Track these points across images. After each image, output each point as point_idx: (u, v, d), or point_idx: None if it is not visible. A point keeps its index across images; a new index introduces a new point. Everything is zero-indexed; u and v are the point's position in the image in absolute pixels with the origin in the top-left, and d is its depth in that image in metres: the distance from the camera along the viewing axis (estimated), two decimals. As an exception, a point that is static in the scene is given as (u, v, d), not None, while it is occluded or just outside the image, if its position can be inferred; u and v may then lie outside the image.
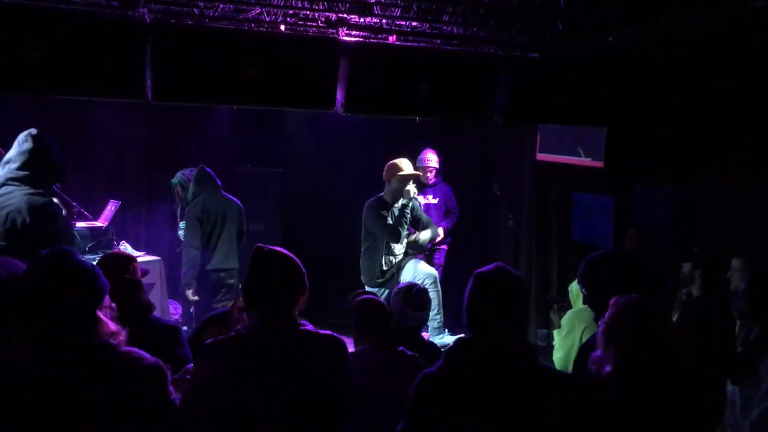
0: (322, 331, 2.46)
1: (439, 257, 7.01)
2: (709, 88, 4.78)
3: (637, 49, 4.86)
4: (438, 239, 6.78)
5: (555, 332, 4.02)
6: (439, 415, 2.11)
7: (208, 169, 5.93)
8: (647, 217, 6.07)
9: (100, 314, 2.03)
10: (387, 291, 5.64)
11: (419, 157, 6.92)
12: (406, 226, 5.93)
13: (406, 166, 5.90)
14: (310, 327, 2.43)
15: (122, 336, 2.07)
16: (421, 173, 6.49)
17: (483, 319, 2.16)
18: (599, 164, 5.59)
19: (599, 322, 2.44)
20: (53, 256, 2.02)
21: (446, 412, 2.11)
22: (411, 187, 5.88)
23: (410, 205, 5.89)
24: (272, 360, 2.30)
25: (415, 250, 6.17)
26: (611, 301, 2.45)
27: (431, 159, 6.89)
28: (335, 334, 2.48)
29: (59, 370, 1.92)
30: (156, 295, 6.01)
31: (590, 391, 2.24)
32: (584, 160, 5.68)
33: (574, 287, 4.68)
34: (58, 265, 1.98)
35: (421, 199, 6.83)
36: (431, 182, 6.90)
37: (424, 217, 6.20)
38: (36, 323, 1.94)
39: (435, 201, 6.94)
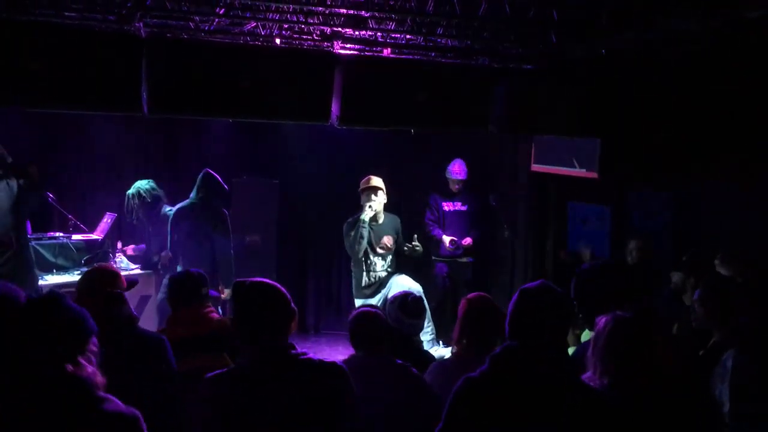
0: (325, 360, 2.46)
1: (467, 272, 7.01)
2: (703, 93, 4.82)
3: (630, 58, 4.89)
4: (463, 242, 6.81)
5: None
6: (479, 419, 2.18)
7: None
8: (644, 225, 6.10)
9: (83, 360, 2.03)
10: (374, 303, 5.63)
11: (447, 167, 6.98)
12: (362, 242, 5.93)
13: (365, 181, 5.98)
14: (310, 355, 2.42)
15: (100, 384, 2.05)
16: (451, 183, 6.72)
17: (526, 330, 2.23)
18: (593, 175, 5.61)
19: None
20: (46, 301, 2.05)
21: (486, 415, 2.17)
22: (371, 203, 5.92)
23: (365, 220, 5.90)
24: (271, 392, 2.29)
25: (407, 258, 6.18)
26: (598, 320, 2.50)
27: (457, 170, 6.93)
28: (338, 362, 2.48)
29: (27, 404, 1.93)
30: (152, 307, 6.01)
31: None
32: (578, 171, 5.70)
33: None
34: (48, 312, 2.01)
35: (449, 207, 6.91)
36: (456, 190, 6.95)
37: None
38: (16, 360, 1.96)
39: (464, 208, 6.98)
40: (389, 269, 6.11)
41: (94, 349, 2.08)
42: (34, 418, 1.90)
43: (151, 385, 2.86)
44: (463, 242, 6.87)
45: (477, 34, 4.74)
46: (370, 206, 5.91)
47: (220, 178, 5.83)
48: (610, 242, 6.49)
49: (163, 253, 5.88)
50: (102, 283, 3.04)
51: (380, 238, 6.02)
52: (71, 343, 2.00)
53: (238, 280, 2.49)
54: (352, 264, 6.18)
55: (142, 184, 6.07)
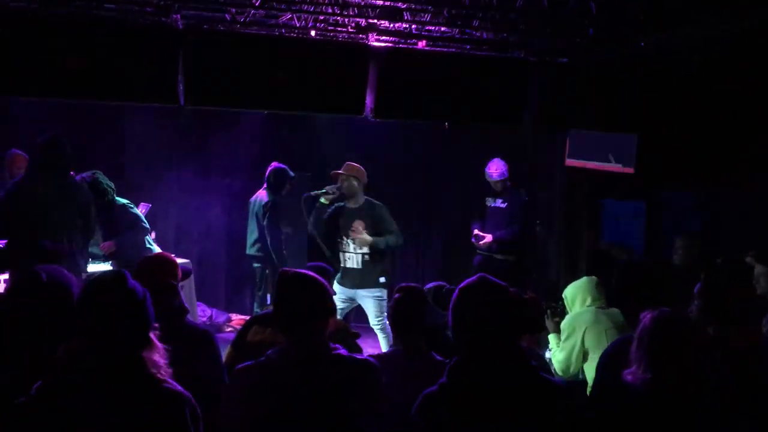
0: (357, 356, 2.45)
1: (502, 269, 6.94)
2: (741, 93, 4.71)
3: (669, 54, 4.81)
4: (481, 243, 6.76)
5: (551, 336, 4.09)
6: None
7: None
8: (679, 223, 5.99)
9: (153, 336, 2.03)
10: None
11: (485, 168, 6.93)
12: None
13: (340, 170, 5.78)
14: (342, 351, 2.41)
15: (166, 369, 2.06)
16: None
17: (472, 330, 2.13)
18: (629, 170, 5.53)
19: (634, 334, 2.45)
20: (110, 279, 2.02)
21: (452, 429, 2.08)
22: (332, 187, 5.64)
23: (321, 201, 5.63)
24: (302, 385, 2.29)
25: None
26: (643, 315, 2.45)
27: (493, 170, 6.87)
28: (370, 359, 2.47)
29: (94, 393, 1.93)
30: (185, 298, 6.06)
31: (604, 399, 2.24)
32: (614, 166, 5.62)
33: (569, 293, 4.67)
34: (115, 290, 1.98)
35: (491, 203, 6.87)
36: (498, 189, 6.89)
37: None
38: (86, 343, 1.95)
39: (503, 205, 6.92)
40: (366, 257, 5.74)
41: (156, 325, 2.09)
42: (94, 397, 1.92)
43: (198, 376, 2.88)
44: (481, 241, 6.79)
45: (513, 26, 4.69)
46: (327, 191, 5.77)
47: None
48: (644, 239, 6.41)
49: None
50: (159, 271, 3.06)
51: (351, 222, 5.87)
52: (144, 320, 2.00)
53: (283, 269, 2.50)
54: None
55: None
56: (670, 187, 5.82)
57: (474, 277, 2.18)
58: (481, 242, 6.69)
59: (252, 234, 6.28)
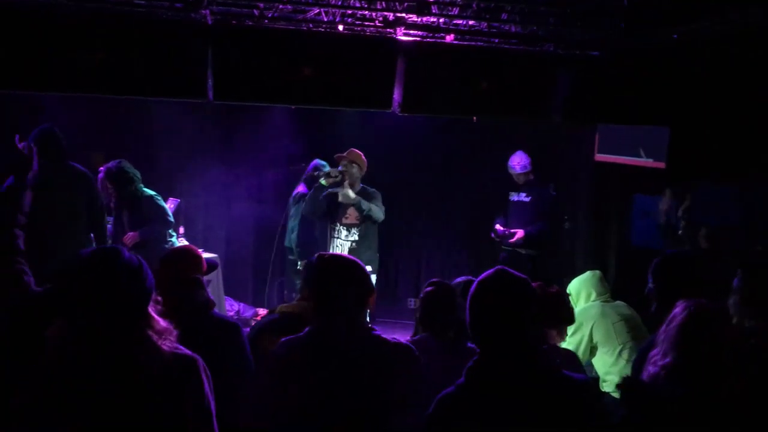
0: (393, 339, 2.45)
1: (527, 263, 6.88)
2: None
3: (702, 45, 4.71)
4: (512, 241, 6.73)
5: None
6: None
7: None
8: (712, 218, 5.88)
9: (151, 310, 2.04)
10: None
11: (508, 161, 6.88)
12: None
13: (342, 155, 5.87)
14: (381, 333, 2.42)
15: (173, 335, 2.06)
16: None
17: (488, 330, 2.08)
18: (661, 165, 5.44)
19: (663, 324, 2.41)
20: (102, 253, 2.02)
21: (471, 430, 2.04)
22: (335, 170, 5.75)
23: (323, 183, 5.69)
24: (340, 364, 2.30)
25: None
26: (676, 304, 2.41)
27: (516, 163, 6.81)
28: (407, 343, 2.47)
29: (98, 363, 1.94)
30: (213, 292, 6.11)
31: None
32: (645, 161, 5.54)
33: (573, 288, 4.63)
34: (107, 263, 1.98)
35: (514, 197, 6.83)
36: (521, 182, 6.83)
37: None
38: (82, 319, 1.96)
39: (527, 199, 6.86)
40: (355, 244, 5.81)
41: (158, 298, 2.11)
42: (97, 363, 1.94)
43: (226, 366, 2.89)
44: (515, 236, 6.74)
45: (543, 19, 4.64)
46: (329, 173, 5.72)
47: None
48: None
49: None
50: (184, 264, 3.08)
51: (347, 208, 5.80)
52: (138, 293, 2.00)
53: (320, 253, 2.51)
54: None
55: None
56: (704, 180, 5.70)
57: (492, 270, 2.13)
58: (512, 239, 6.64)
59: (293, 227, 6.41)
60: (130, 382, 1.94)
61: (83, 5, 4.04)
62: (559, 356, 3.12)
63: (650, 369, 2.31)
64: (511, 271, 2.14)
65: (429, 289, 3.19)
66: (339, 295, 2.37)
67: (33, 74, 3.99)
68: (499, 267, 2.16)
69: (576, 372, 2.29)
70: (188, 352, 2.07)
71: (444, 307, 3.14)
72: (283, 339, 2.40)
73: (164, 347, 2.00)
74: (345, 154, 5.81)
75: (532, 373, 2.06)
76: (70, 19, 4.00)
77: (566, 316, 3.29)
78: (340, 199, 5.68)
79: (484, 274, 2.14)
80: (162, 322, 2.04)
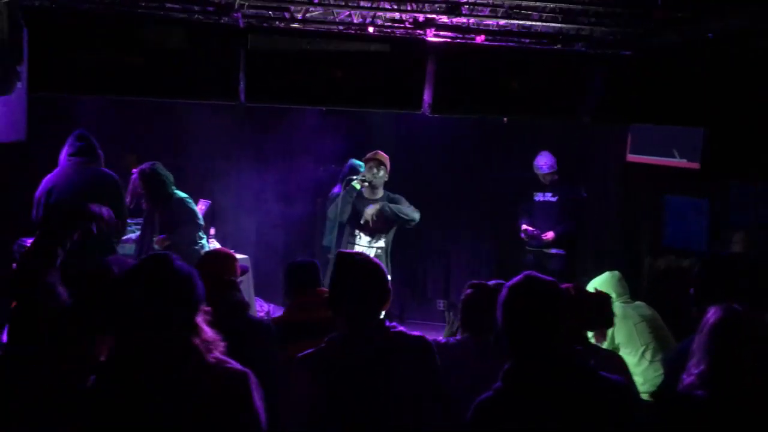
0: (413, 333, 2.46)
1: (555, 263, 6.87)
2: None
3: (737, 43, 4.63)
4: (544, 237, 6.70)
5: None
6: None
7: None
8: (745, 219, 5.79)
9: (199, 321, 2.00)
10: None
11: (534, 161, 6.86)
12: (346, 207, 5.61)
13: (372, 154, 5.80)
14: (401, 328, 2.42)
15: (220, 346, 2.03)
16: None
17: (521, 335, 2.10)
18: (695, 165, 5.36)
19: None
20: (154, 261, 2.01)
21: None
22: (369, 174, 5.69)
23: (355, 186, 5.62)
24: (364, 367, 2.30)
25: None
26: (709, 309, 2.40)
27: (543, 163, 6.79)
28: (424, 336, 2.47)
29: (149, 375, 1.92)
30: (243, 293, 6.15)
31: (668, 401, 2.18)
32: (679, 162, 5.46)
33: (591, 289, 4.56)
34: (159, 272, 1.96)
35: (539, 197, 6.79)
36: (547, 182, 6.81)
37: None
38: (133, 329, 1.94)
39: (553, 199, 6.84)
40: (379, 250, 5.76)
41: (207, 309, 2.07)
42: (148, 378, 1.92)
43: (258, 370, 2.91)
44: (544, 236, 6.71)
45: (574, 19, 4.60)
46: (364, 176, 5.66)
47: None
48: (708, 237, 6.21)
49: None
50: (219, 267, 3.11)
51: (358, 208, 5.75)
52: (187, 302, 1.98)
53: (340, 251, 2.52)
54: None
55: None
56: (738, 181, 5.62)
57: (520, 276, 2.14)
58: (542, 239, 6.61)
59: (332, 227, 6.32)
60: (180, 397, 1.91)
61: (117, 9, 4.11)
62: (597, 357, 3.10)
63: (686, 379, 2.29)
64: (540, 275, 2.16)
65: (469, 291, 3.19)
66: (354, 296, 2.37)
67: (69, 78, 4.07)
68: (527, 272, 2.18)
69: (618, 373, 2.27)
70: (238, 366, 2.03)
71: (484, 309, 3.12)
72: (299, 354, 2.38)
73: (212, 360, 1.97)
74: (374, 156, 5.79)
75: (566, 375, 2.06)
76: (105, 23, 4.07)
77: (608, 318, 3.26)
78: (370, 242, 5.68)
79: (513, 280, 2.17)
80: (210, 333, 2.01)
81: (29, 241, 5.90)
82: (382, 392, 2.30)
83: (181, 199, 5.72)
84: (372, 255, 5.42)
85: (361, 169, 5.94)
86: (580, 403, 2.03)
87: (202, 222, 5.84)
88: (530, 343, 2.08)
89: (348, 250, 2.52)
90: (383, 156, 5.81)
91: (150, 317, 1.92)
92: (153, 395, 1.90)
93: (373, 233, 5.72)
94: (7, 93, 3.67)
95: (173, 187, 5.70)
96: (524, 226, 6.76)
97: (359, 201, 5.67)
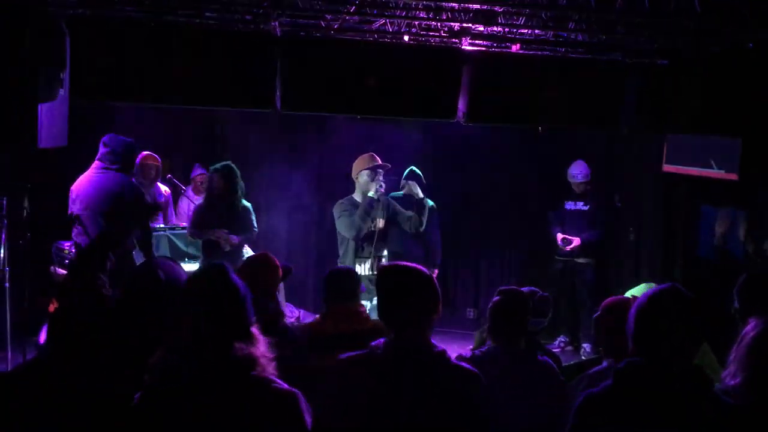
0: (460, 363, 2.42)
1: (584, 273, 6.82)
2: None
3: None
4: (568, 248, 6.66)
5: None
6: None
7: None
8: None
9: (255, 331, 2.00)
10: (370, 302, 4.78)
11: (568, 169, 6.83)
12: (371, 223, 5.38)
13: (369, 160, 5.54)
14: (449, 356, 2.38)
15: (272, 366, 2.02)
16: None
17: (655, 341, 2.08)
18: (733, 176, 5.27)
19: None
20: (213, 272, 2.01)
21: None
22: (377, 182, 5.44)
23: (379, 199, 5.40)
24: (403, 381, 2.27)
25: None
26: (750, 322, 2.37)
27: (577, 172, 6.77)
28: (471, 368, 2.43)
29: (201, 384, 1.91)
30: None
31: None
32: (717, 172, 5.37)
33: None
34: (218, 281, 1.96)
35: (571, 206, 6.76)
36: (581, 191, 6.79)
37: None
38: (188, 340, 1.93)
39: (585, 208, 6.81)
40: (383, 260, 5.41)
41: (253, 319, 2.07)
42: (197, 391, 1.90)
43: (291, 379, 2.93)
44: (572, 243, 6.68)
45: (610, 27, 4.57)
46: (380, 185, 5.45)
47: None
48: (744, 249, 6.11)
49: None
50: (262, 275, 3.14)
51: (374, 219, 5.51)
52: (246, 311, 1.98)
53: (384, 263, 2.50)
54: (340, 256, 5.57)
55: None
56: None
57: (667, 285, 2.15)
58: (569, 246, 6.58)
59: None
60: (232, 413, 1.90)
61: (159, 18, 4.18)
62: None
63: (728, 381, 2.27)
64: (683, 289, 2.15)
65: (497, 298, 3.15)
66: (403, 307, 2.32)
67: (109, 85, 4.15)
68: (672, 283, 2.19)
69: None
70: (287, 387, 2.01)
71: (513, 316, 3.09)
72: (342, 355, 2.36)
73: (266, 377, 1.96)
74: (375, 161, 5.52)
75: (685, 387, 2.05)
76: (145, 32, 4.14)
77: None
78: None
79: (658, 288, 2.16)
80: (264, 348, 2.00)
81: (67, 244, 6.11)
82: (416, 410, 2.28)
83: (248, 207, 5.87)
84: (372, 264, 5.33)
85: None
86: (690, 415, 2.02)
87: (257, 230, 5.96)
88: (663, 351, 2.07)
89: (392, 262, 2.47)
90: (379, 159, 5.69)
91: (209, 325, 1.91)
92: (203, 409, 1.89)
93: (378, 242, 5.47)
94: (51, 99, 3.76)
95: (242, 195, 5.82)
96: (561, 236, 6.74)
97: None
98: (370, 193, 5.41)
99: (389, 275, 2.42)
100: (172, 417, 1.91)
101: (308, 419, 2.02)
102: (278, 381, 2.03)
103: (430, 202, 5.88)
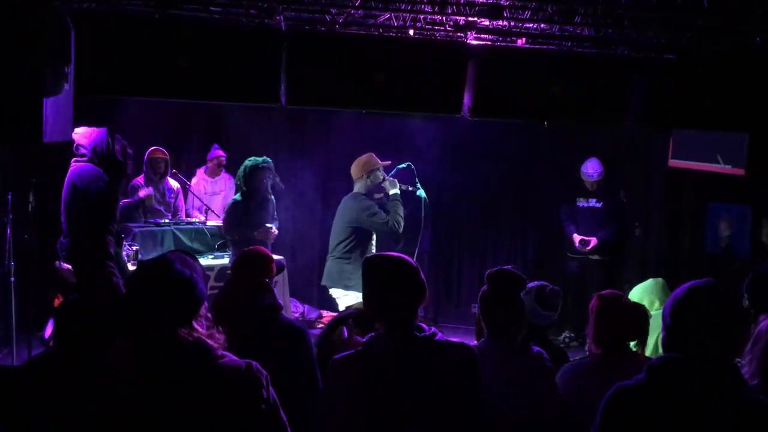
0: (453, 340, 2.42)
1: (599, 271, 6.79)
2: None
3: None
4: (588, 248, 6.65)
5: None
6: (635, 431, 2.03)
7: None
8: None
9: (195, 324, 2.04)
10: None
11: (581, 167, 6.81)
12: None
13: (374, 159, 5.66)
14: (440, 336, 2.39)
15: (221, 339, 2.07)
16: None
17: (693, 338, 2.03)
18: (740, 172, 5.25)
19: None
20: (156, 264, 2.07)
21: (643, 429, 2.02)
22: (389, 179, 5.62)
23: (399, 193, 5.52)
24: (402, 372, 2.27)
25: None
26: (760, 319, 2.36)
27: (591, 170, 6.75)
28: (465, 342, 2.43)
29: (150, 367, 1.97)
30: (279, 294, 6.18)
31: None
32: (723, 168, 5.35)
33: (635, 296, 4.50)
34: (158, 275, 2.02)
35: (583, 203, 6.75)
36: (594, 189, 6.77)
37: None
38: (134, 326, 1.99)
39: (598, 205, 6.80)
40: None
41: (208, 315, 2.10)
42: (153, 379, 1.95)
43: (293, 372, 2.93)
44: (590, 243, 6.67)
45: (617, 22, 4.54)
46: (391, 181, 5.61)
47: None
48: (750, 245, 6.09)
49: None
50: (254, 269, 3.14)
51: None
52: (181, 305, 2.01)
53: (368, 256, 2.50)
54: (346, 251, 5.55)
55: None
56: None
57: (704, 280, 2.09)
58: (588, 246, 6.57)
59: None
60: (184, 395, 1.95)
61: (164, 13, 4.17)
62: (637, 364, 3.03)
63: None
64: (720, 287, 2.09)
65: (485, 288, 3.02)
66: (388, 299, 2.33)
67: (115, 79, 4.14)
68: (710, 279, 2.11)
69: None
70: (236, 360, 2.06)
71: (501, 303, 2.87)
72: (336, 356, 2.36)
73: (212, 355, 2.01)
74: (380, 161, 5.67)
75: (721, 386, 2.01)
76: (150, 26, 4.13)
77: (643, 332, 3.20)
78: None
79: (697, 281, 2.10)
80: (203, 330, 2.05)
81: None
82: (419, 397, 2.28)
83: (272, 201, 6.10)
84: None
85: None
86: (724, 416, 1.98)
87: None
88: (699, 345, 2.02)
89: (374, 254, 2.47)
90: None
91: (151, 316, 1.97)
92: (157, 393, 1.94)
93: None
94: (56, 94, 3.75)
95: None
96: (579, 237, 6.73)
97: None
98: (394, 190, 5.52)
99: (377, 267, 2.41)
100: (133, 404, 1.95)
101: (265, 393, 2.06)
102: (227, 355, 2.06)
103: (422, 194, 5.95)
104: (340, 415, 2.29)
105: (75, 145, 4.98)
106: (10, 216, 5.61)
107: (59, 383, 2.52)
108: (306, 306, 7.44)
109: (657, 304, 4.44)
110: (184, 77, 4.05)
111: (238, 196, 5.94)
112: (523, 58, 4.68)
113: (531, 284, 3.78)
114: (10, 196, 5.62)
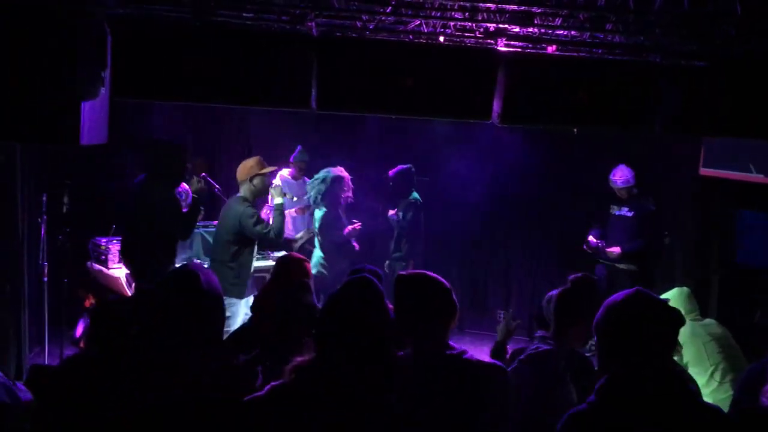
0: (485, 360, 2.41)
1: (625, 279, 6.73)
2: None
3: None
4: (600, 250, 6.60)
5: None
6: None
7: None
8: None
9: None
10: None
11: (609, 175, 6.76)
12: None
13: (261, 163, 5.70)
14: (469, 355, 2.38)
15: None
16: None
17: (626, 348, 2.03)
18: (773, 180, 5.19)
19: None
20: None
21: None
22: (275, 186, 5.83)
23: (282, 203, 5.67)
24: (428, 389, 2.28)
25: None
26: None
27: (619, 177, 6.70)
28: (498, 363, 2.42)
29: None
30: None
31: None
32: (756, 176, 5.29)
33: None
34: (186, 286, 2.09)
35: (615, 211, 6.73)
36: (624, 197, 6.72)
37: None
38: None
39: (629, 214, 6.74)
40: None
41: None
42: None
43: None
44: (609, 250, 6.60)
45: (649, 29, 4.52)
46: (277, 189, 5.82)
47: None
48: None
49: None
50: (293, 270, 3.21)
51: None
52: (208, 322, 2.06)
53: (400, 272, 2.52)
54: (230, 256, 5.61)
55: None
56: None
57: (631, 291, 2.08)
58: (608, 251, 6.51)
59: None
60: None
61: (196, 18, 4.23)
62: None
63: (764, 401, 2.22)
64: (649, 292, 2.10)
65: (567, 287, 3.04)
66: (418, 316, 2.35)
67: (150, 84, 4.21)
68: (637, 288, 2.11)
69: None
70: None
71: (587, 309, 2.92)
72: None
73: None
74: (270, 169, 5.79)
75: (667, 397, 2.00)
76: (185, 31, 4.20)
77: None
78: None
79: (620, 295, 2.09)
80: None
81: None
82: (444, 415, 2.28)
83: None
84: None
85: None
86: (675, 425, 1.97)
87: None
88: (637, 360, 2.02)
89: (405, 271, 2.48)
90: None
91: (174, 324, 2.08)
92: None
93: None
94: (93, 98, 3.83)
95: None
96: (590, 238, 6.67)
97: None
98: (278, 199, 5.68)
99: (407, 286, 2.42)
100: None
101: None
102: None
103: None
104: None
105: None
106: (45, 216, 5.72)
107: (96, 385, 2.56)
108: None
109: (682, 313, 4.40)
110: (216, 82, 4.12)
111: (324, 207, 6.56)
112: (554, 64, 4.68)
113: (549, 293, 3.76)
114: (44, 198, 5.73)
